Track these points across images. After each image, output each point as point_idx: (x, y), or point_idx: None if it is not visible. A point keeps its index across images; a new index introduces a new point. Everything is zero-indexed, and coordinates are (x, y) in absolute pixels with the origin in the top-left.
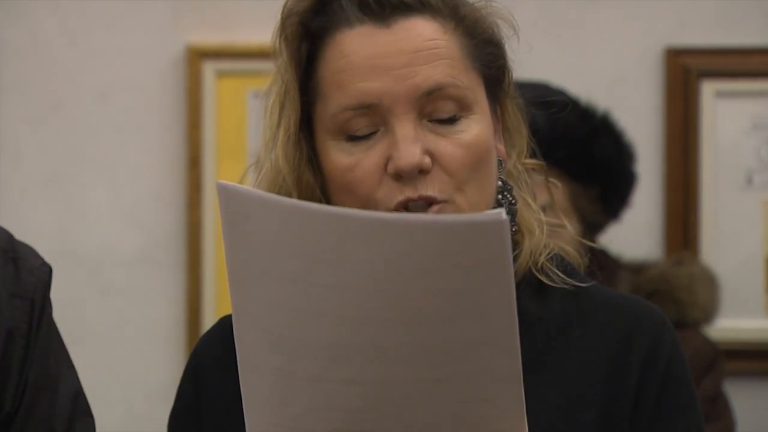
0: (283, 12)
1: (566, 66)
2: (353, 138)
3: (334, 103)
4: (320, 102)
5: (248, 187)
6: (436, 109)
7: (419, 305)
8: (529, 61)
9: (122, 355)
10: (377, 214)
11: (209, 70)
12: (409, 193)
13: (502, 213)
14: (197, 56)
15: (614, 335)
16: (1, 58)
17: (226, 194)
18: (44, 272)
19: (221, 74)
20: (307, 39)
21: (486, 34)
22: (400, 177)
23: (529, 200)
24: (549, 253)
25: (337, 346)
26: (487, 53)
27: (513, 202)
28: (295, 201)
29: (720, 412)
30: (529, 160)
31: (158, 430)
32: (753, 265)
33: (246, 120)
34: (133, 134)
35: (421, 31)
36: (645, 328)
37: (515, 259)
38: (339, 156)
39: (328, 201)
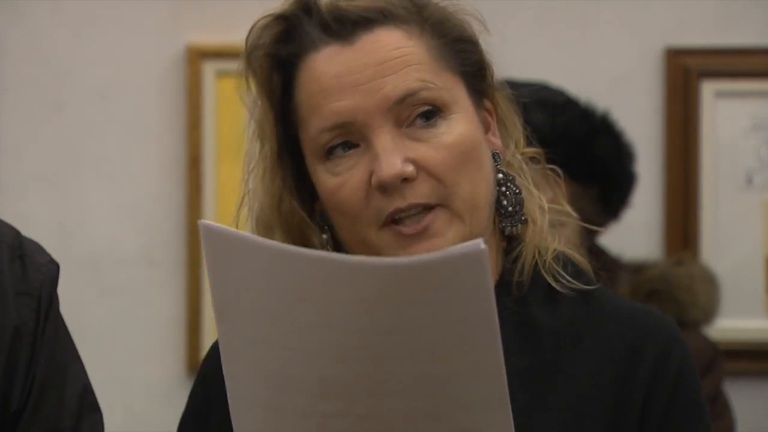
0: (247, 47)
1: (566, 66)
2: (334, 152)
3: (312, 126)
4: (302, 127)
5: (230, 228)
6: (411, 114)
7: (404, 341)
8: (529, 61)
9: (122, 355)
10: (355, 258)
11: (209, 70)
12: (398, 203)
13: (480, 243)
14: (197, 56)
15: (624, 346)
16: (1, 58)
17: (209, 234)
18: (51, 269)
19: (221, 74)
20: (278, 69)
21: (455, 32)
22: (385, 189)
23: (531, 188)
24: (554, 252)
25: (325, 382)
26: (458, 51)
27: (517, 191)
28: (275, 243)
29: (720, 412)
30: (527, 149)
31: (158, 429)
32: (753, 265)
33: (246, 120)
34: (133, 134)
35: (386, 42)
36: (654, 340)
37: (519, 253)
38: (326, 178)
39: (324, 221)
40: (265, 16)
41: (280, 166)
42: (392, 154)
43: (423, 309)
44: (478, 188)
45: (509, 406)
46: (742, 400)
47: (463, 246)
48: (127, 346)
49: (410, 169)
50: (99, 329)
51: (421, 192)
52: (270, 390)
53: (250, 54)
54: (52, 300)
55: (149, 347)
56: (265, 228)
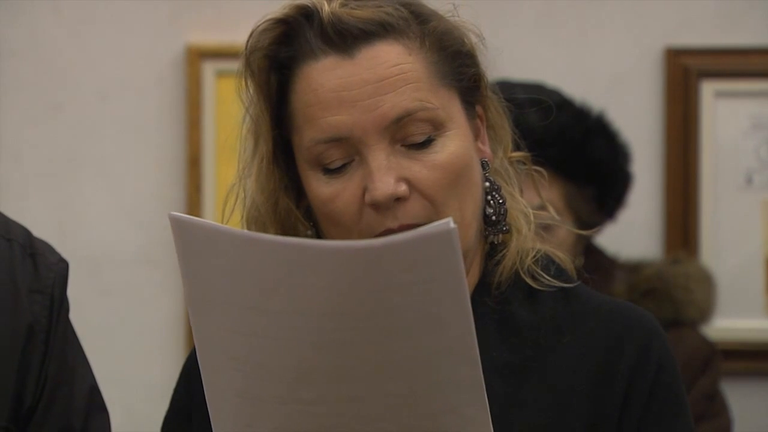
0: (246, 50)
1: (566, 66)
2: (329, 171)
3: (306, 136)
4: (295, 133)
5: (200, 218)
6: (408, 134)
7: (377, 324)
8: (529, 60)
9: (121, 355)
10: (326, 243)
11: (209, 69)
12: (390, 223)
13: (449, 222)
14: (197, 56)
15: (604, 342)
16: (1, 58)
17: (179, 226)
18: (62, 268)
19: (221, 74)
20: (275, 71)
21: (454, 46)
22: (378, 207)
23: (516, 194)
24: (535, 256)
25: (300, 369)
26: (457, 66)
27: (501, 201)
28: (245, 232)
29: (717, 411)
30: (514, 154)
31: (157, 430)
32: (753, 265)
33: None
34: (133, 134)
35: (385, 58)
36: (635, 335)
37: (502, 258)
38: (319, 187)
39: (312, 224)
40: (266, 20)
41: (276, 166)
42: (386, 173)
43: (395, 290)
44: (466, 207)
45: (483, 387)
46: (742, 400)
47: (433, 225)
48: (126, 346)
49: (403, 188)
50: (98, 329)
51: (412, 212)
52: (246, 379)
53: (249, 56)
54: (63, 299)
55: (148, 347)
56: (257, 226)
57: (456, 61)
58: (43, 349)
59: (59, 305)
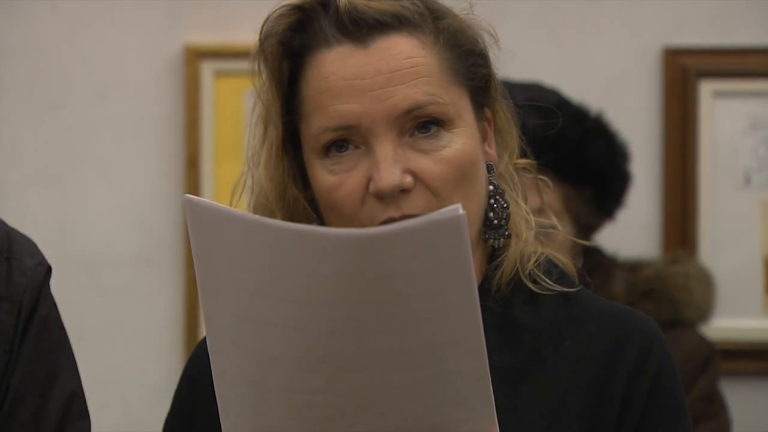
0: (261, 35)
1: (564, 65)
2: (333, 149)
3: (315, 124)
4: (304, 121)
5: (214, 202)
6: (414, 125)
7: (384, 313)
8: (527, 60)
9: (120, 356)
10: (333, 230)
11: (207, 69)
12: (392, 212)
13: (458, 209)
14: (195, 56)
15: (604, 345)
16: (0, 58)
17: (193, 208)
18: (38, 272)
19: (219, 74)
20: (288, 58)
21: (467, 45)
22: (382, 197)
23: (519, 200)
24: (537, 260)
25: (306, 358)
26: (469, 65)
27: (505, 206)
28: (257, 217)
29: (716, 411)
30: (520, 160)
31: (156, 429)
32: (752, 264)
33: (244, 120)
34: (131, 134)
35: (399, 50)
36: (635, 339)
37: (501, 262)
38: (323, 175)
39: (318, 214)
40: (282, 6)
41: (284, 154)
42: (393, 164)
43: (403, 278)
44: (469, 205)
45: (489, 378)
46: (740, 400)
47: (441, 212)
48: (124, 346)
49: (408, 180)
50: (97, 329)
51: (415, 204)
52: (252, 367)
53: (263, 42)
54: (37, 304)
55: (147, 347)
56: (265, 214)
57: (468, 60)
58: (5, 359)
59: (29, 313)
